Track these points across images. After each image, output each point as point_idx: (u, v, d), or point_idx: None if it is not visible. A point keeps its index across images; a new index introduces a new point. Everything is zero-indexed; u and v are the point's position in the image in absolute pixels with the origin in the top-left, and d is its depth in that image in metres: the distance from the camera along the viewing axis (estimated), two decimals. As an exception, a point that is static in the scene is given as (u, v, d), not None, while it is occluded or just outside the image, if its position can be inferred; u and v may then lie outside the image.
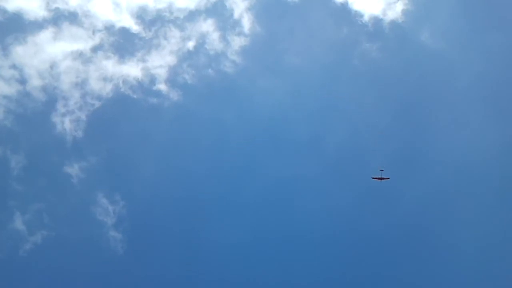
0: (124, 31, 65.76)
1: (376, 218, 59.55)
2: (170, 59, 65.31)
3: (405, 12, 68.00)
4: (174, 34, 66.38)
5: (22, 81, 60.53)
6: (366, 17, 68.01)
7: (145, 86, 64.19)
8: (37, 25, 62.87)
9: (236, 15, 67.73)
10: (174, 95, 64.15)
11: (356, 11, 68.14)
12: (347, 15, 68.42)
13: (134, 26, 65.81)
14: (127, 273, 55.88)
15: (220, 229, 58.58)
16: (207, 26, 67.05)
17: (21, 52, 61.48)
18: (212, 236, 58.27)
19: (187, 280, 56.19)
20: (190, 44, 66.38)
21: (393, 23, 68.13)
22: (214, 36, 66.89)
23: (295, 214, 60.04)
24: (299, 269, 57.07)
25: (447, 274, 56.40)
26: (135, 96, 63.76)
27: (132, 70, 64.25)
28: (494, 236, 57.67)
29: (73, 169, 58.70)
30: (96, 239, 56.48)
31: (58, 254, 55.40)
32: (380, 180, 49.07)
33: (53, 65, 62.04)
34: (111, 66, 63.76)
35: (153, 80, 64.46)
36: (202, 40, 66.77)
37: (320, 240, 58.55)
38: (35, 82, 60.78)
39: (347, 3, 68.19)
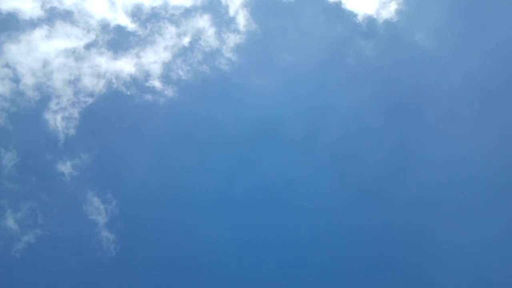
0: (119, 29, 65.63)
1: (372, 218, 58.96)
2: (165, 55, 65.09)
3: (398, 12, 68.55)
4: (169, 30, 66.26)
5: (16, 79, 60.23)
6: (360, 17, 68.49)
7: (139, 83, 63.96)
8: (31, 24, 62.63)
9: (231, 12, 67.84)
10: (169, 91, 63.88)
11: (349, 11, 68.68)
12: (341, 14, 68.90)
13: (129, 24, 65.71)
14: (120, 274, 54.83)
15: (215, 229, 57.72)
16: (203, 22, 67.02)
17: (14, 50, 61.30)
18: (206, 236, 57.36)
19: (182, 281, 55.17)
20: (185, 40, 66.33)
21: (387, 22, 68.69)
22: (209, 32, 66.91)
23: (289, 213, 59.22)
24: (295, 269, 56.38)
25: (444, 274, 55.77)
26: (128, 93, 63.49)
27: (126, 66, 63.95)
28: (492, 236, 57.15)
29: (66, 167, 58.22)
30: (88, 239, 55.38)
31: (51, 254, 54.18)
32: None
33: (46, 63, 61.77)
34: (104, 62, 63.49)
35: (147, 76, 64.25)
36: (197, 37, 66.77)
37: (315, 240, 57.69)
38: (28, 80, 60.48)
39: (340, 3, 68.69)
